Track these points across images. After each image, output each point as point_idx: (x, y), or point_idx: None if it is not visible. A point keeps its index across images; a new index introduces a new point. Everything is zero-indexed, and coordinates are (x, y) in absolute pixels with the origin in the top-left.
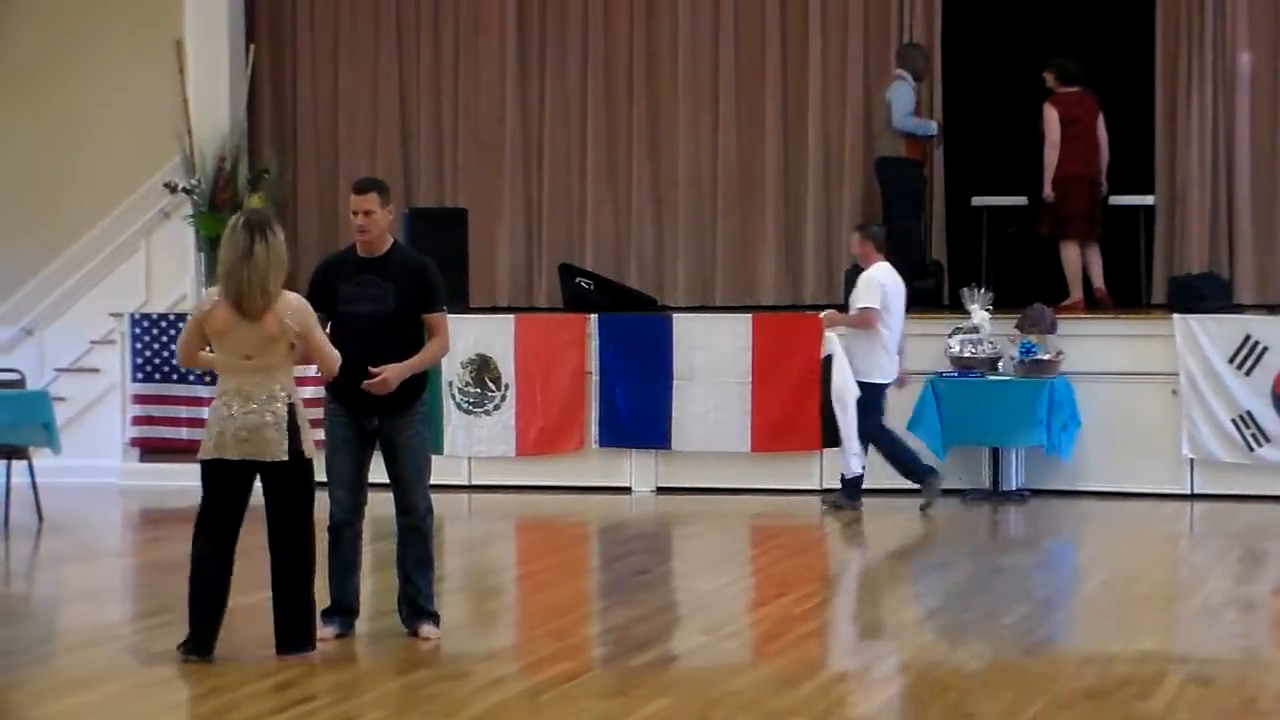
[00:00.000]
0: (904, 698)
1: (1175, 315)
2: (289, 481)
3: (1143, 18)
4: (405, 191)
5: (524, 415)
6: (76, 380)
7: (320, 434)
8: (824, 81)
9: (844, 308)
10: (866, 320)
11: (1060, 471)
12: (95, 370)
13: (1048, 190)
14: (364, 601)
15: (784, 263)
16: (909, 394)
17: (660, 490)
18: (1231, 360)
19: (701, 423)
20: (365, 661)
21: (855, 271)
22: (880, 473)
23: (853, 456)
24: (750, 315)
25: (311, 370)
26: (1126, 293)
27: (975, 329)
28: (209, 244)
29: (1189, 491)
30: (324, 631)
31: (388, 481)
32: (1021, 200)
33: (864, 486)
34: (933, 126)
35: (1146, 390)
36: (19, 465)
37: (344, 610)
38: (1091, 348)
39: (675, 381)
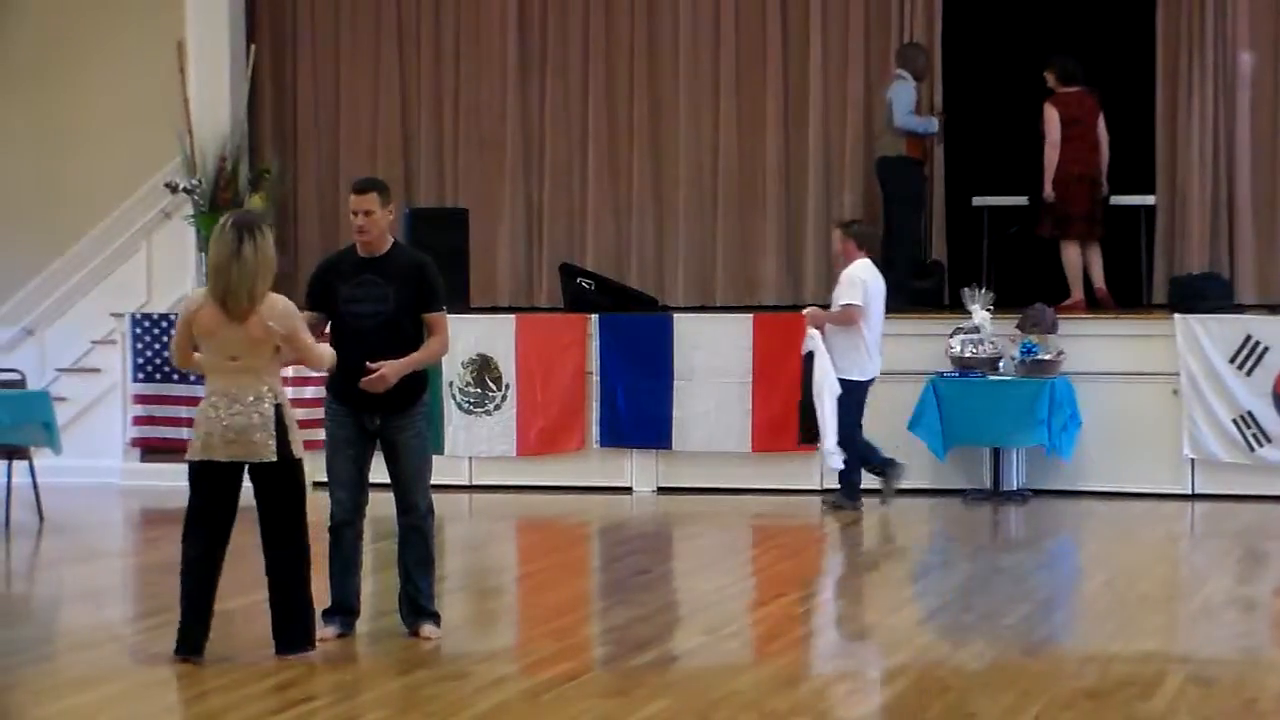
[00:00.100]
0: (905, 698)
1: (1176, 315)
2: (278, 482)
3: (1143, 17)
4: (406, 191)
5: (525, 415)
6: (77, 380)
7: (309, 434)
8: (824, 81)
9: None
10: (849, 317)
11: (1061, 471)
12: (96, 370)
13: (1048, 190)
14: (365, 601)
15: (784, 262)
16: (909, 394)
17: (661, 490)
18: (1232, 360)
19: (702, 423)
20: (366, 661)
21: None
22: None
23: (831, 454)
24: (751, 315)
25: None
26: (1127, 293)
27: (976, 329)
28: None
29: (1190, 492)
30: (325, 631)
31: (388, 481)
32: (1022, 200)
33: (863, 487)
34: (934, 124)
35: (1147, 390)
36: (20, 465)
37: (345, 610)
38: (1092, 348)
39: (676, 381)
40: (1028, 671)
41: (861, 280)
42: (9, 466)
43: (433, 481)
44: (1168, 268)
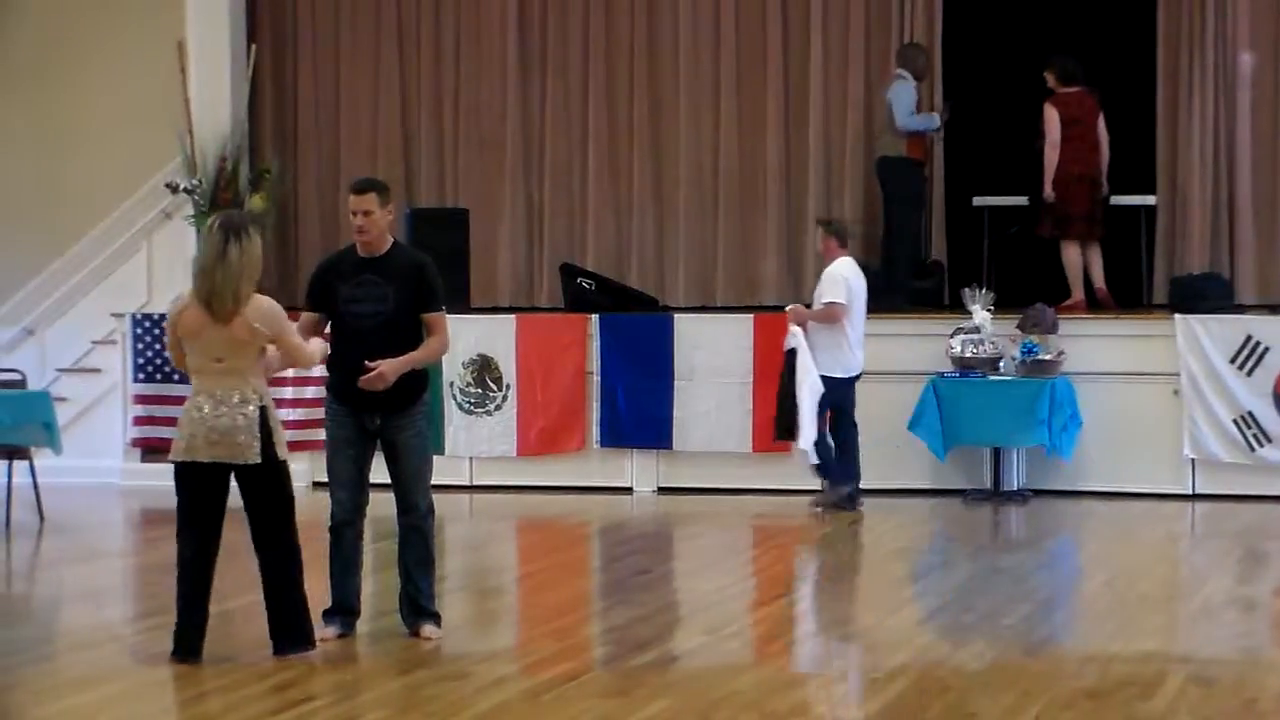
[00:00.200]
0: (905, 698)
1: (1176, 315)
2: (264, 484)
3: (1144, 17)
4: (406, 191)
5: (525, 415)
6: (78, 380)
7: (309, 434)
8: (824, 81)
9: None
10: (832, 315)
11: (1061, 472)
12: (96, 370)
13: (1048, 190)
14: (365, 601)
15: (785, 263)
16: (909, 394)
17: (661, 490)
18: (1233, 360)
19: (703, 423)
20: (366, 661)
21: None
22: (881, 473)
23: (808, 451)
24: (751, 315)
25: (313, 370)
26: (1128, 293)
27: (976, 329)
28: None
29: (1190, 492)
30: (325, 631)
31: (389, 481)
32: (1022, 200)
33: (863, 487)
34: (936, 120)
35: (1148, 390)
36: (20, 465)
37: (345, 610)
38: (1093, 348)
39: (676, 382)
40: (1028, 671)
41: (844, 278)
42: (9, 466)
43: (433, 481)
44: (1168, 268)
